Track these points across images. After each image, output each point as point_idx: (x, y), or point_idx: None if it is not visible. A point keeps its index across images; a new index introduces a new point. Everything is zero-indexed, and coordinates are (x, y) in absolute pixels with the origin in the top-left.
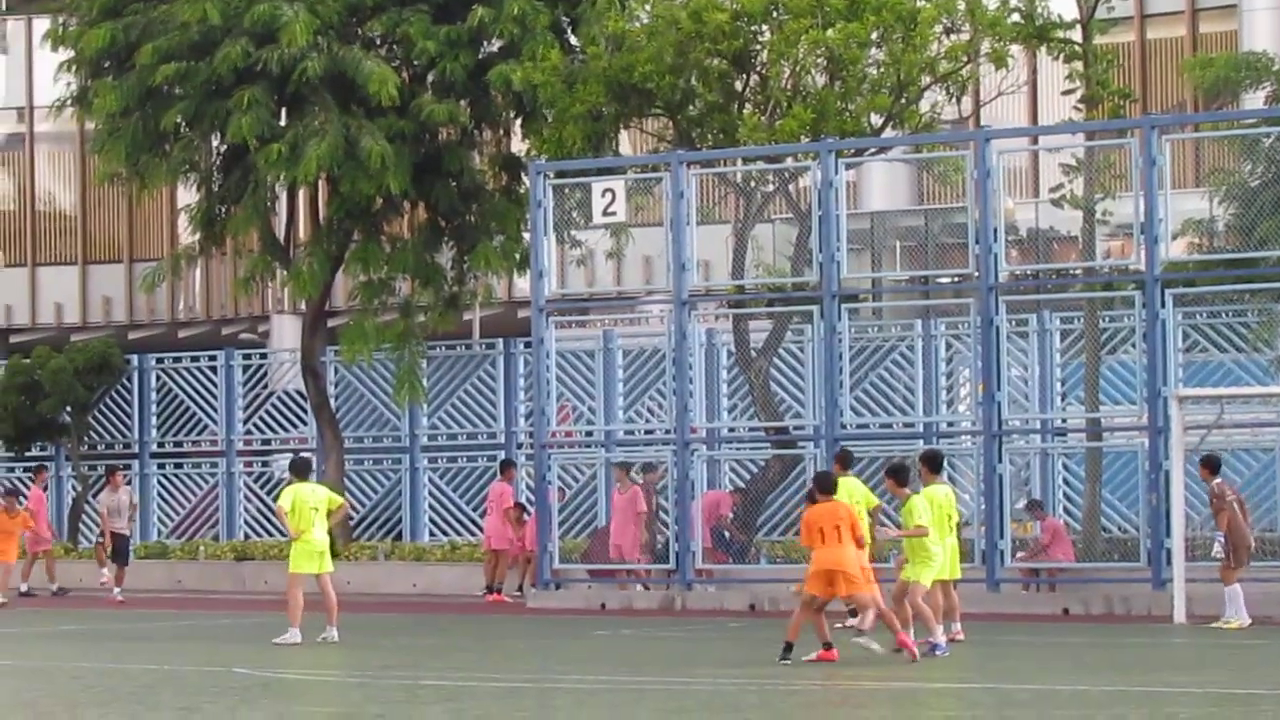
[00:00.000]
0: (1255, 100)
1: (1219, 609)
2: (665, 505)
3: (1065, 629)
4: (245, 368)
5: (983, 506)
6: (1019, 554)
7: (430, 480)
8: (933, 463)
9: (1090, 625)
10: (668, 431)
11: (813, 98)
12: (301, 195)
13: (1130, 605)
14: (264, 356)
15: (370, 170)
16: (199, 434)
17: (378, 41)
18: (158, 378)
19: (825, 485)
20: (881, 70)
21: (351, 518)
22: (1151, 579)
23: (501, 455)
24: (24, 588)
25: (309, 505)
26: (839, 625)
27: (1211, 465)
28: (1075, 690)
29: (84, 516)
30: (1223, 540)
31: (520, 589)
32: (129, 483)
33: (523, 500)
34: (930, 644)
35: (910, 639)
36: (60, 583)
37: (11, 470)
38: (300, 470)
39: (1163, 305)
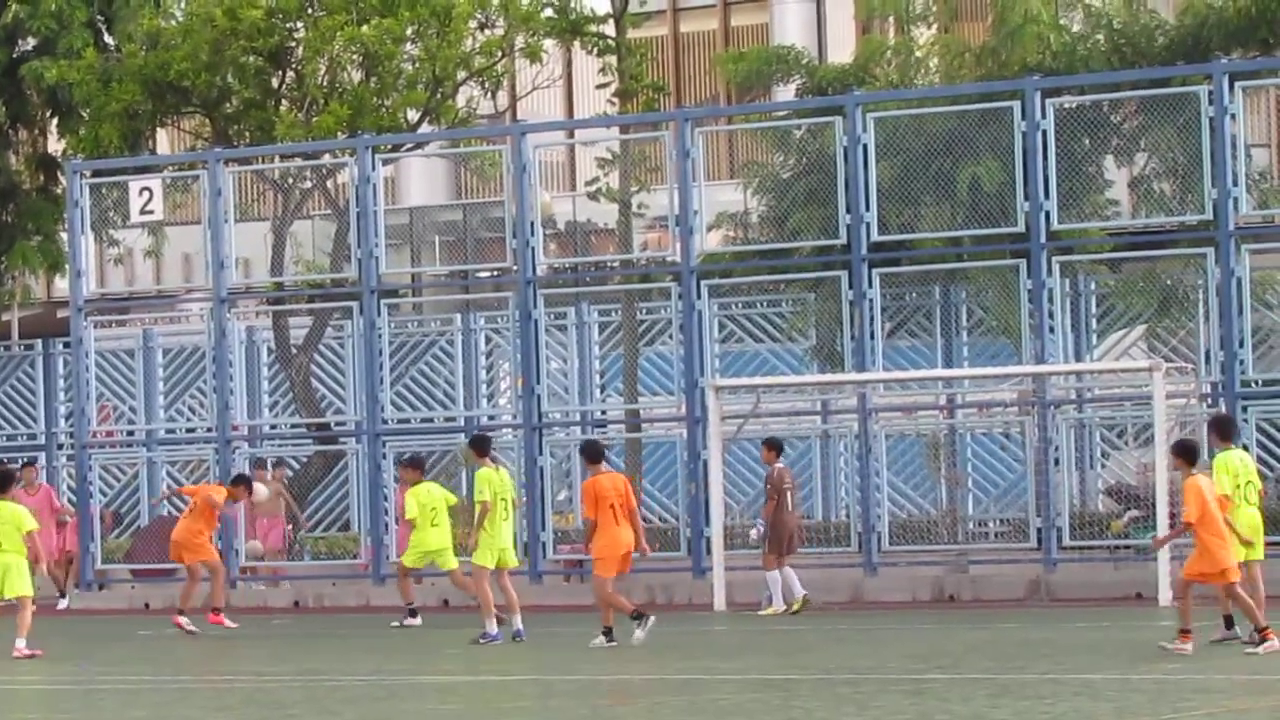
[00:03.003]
0: (786, 93)
1: (758, 596)
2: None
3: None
4: None
5: (525, 499)
6: (561, 546)
7: None
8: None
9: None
10: (209, 429)
11: (349, 94)
12: None
13: (672, 594)
14: None
15: None
16: None
17: None
18: None
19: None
20: (417, 66)
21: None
22: (692, 568)
23: (40, 457)
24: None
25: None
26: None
27: (775, 447)
28: (617, 679)
29: None
30: (761, 527)
31: (62, 591)
32: None
33: (64, 501)
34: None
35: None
36: None
37: None
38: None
39: (699, 296)
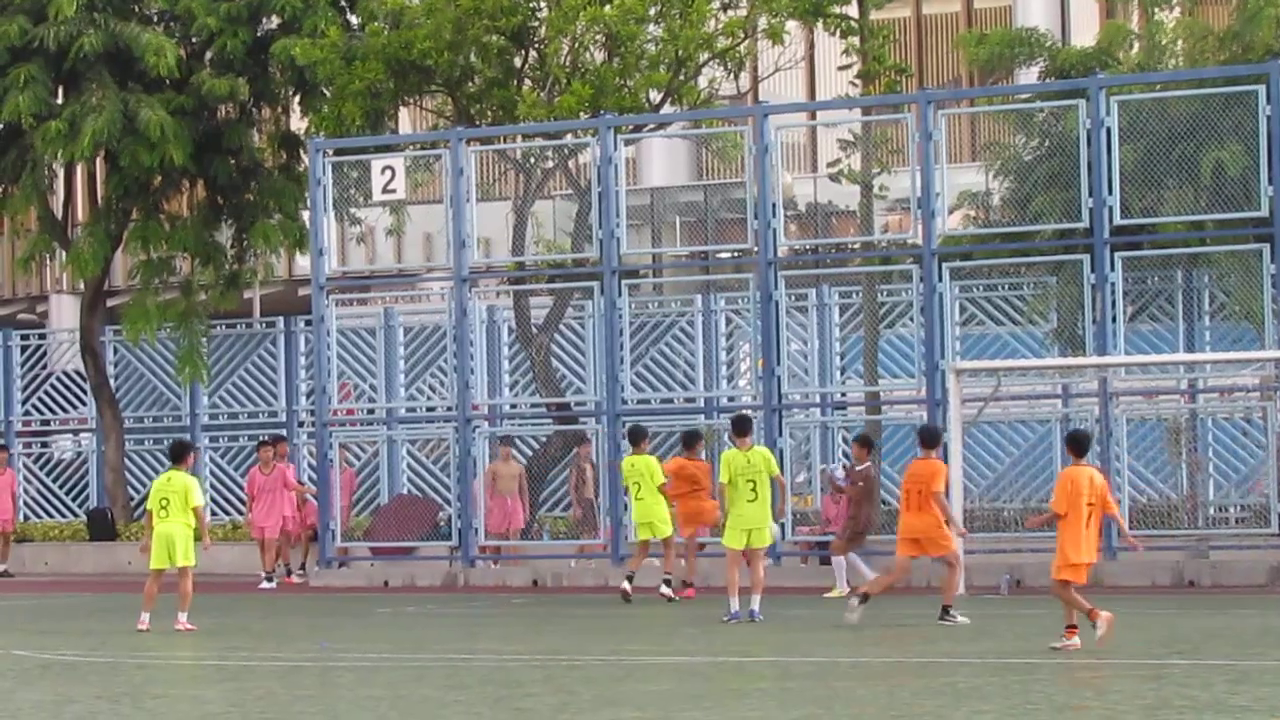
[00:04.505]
0: (1029, 75)
1: (996, 579)
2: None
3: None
4: (24, 348)
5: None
6: (800, 528)
7: (211, 459)
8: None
9: (874, 597)
10: (449, 409)
11: (591, 74)
12: (80, 173)
13: (911, 576)
14: (42, 337)
15: (150, 141)
16: None
17: (155, 18)
18: None
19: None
20: (659, 46)
21: (133, 498)
22: None
23: (281, 434)
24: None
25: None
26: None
27: (867, 444)
28: (855, 661)
29: None
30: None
31: (303, 567)
32: None
33: (305, 480)
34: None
35: None
36: None
37: None
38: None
39: (940, 279)
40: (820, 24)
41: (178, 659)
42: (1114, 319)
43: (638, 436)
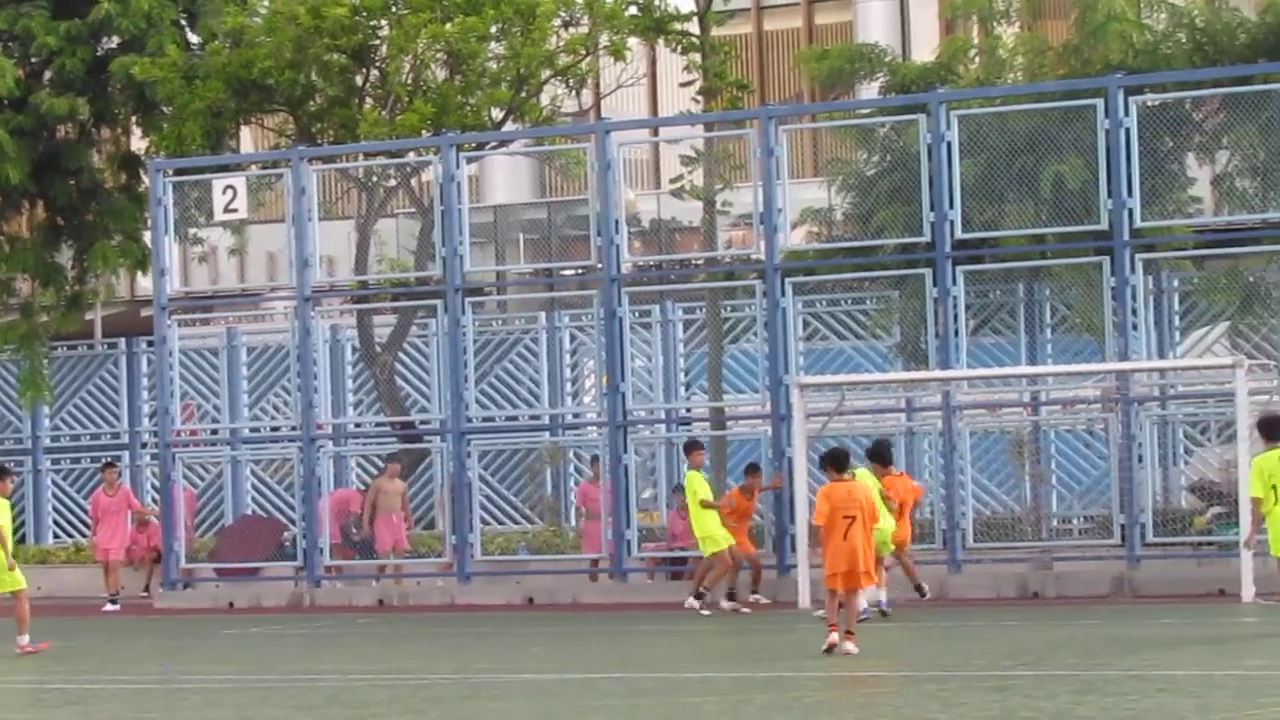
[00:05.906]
0: (870, 91)
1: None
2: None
3: (691, 618)
4: None
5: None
6: (646, 544)
7: (53, 482)
8: None
9: (718, 614)
10: (294, 428)
11: (433, 92)
12: None
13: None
14: None
15: None
16: None
17: None
18: None
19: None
20: (501, 64)
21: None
22: (777, 565)
23: (123, 456)
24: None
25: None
26: None
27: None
28: (702, 677)
29: None
30: None
31: (147, 589)
32: None
33: (148, 501)
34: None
35: None
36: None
37: None
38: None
39: (783, 294)
40: (662, 41)
41: (19, 683)
42: (956, 333)
43: (886, 455)
